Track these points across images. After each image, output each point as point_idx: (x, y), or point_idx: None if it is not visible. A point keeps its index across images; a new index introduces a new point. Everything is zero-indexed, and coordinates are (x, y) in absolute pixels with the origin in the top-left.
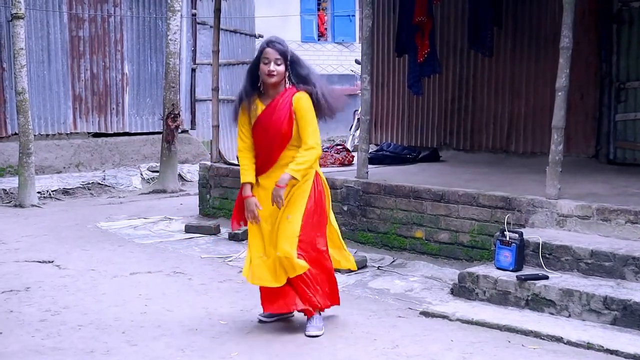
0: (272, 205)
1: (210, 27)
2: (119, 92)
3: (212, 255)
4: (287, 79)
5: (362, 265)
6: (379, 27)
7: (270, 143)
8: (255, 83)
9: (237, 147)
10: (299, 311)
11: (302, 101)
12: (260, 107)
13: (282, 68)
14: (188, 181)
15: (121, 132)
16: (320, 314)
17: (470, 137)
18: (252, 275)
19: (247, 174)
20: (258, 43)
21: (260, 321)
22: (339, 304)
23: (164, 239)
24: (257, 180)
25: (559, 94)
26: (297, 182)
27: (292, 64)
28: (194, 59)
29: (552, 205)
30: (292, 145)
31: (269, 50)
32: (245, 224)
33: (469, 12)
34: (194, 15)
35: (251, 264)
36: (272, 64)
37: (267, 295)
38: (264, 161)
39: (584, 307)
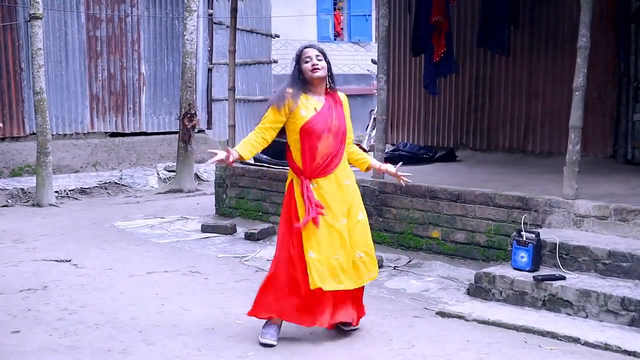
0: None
1: (227, 27)
2: (136, 92)
3: (229, 254)
4: (328, 78)
5: (378, 265)
6: (395, 26)
7: (336, 140)
8: (300, 86)
9: (256, 134)
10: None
11: (346, 98)
12: (314, 100)
13: (324, 63)
14: (204, 181)
15: (138, 131)
16: None
17: (487, 137)
18: (331, 280)
19: (244, 147)
20: (274, 43)
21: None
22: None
23: (180, 238)
24: (317, 182)
25: (577, 93)
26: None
27: (329, 64)
28: (210, 59)
29: (570, 205)
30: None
31: (308, 50)
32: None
33: (486, 12)
34: (210, 15)
35: (326, 267)
36: (315, 59)
37: (336, 303)
38: (329, 160)
39: (601, 307)
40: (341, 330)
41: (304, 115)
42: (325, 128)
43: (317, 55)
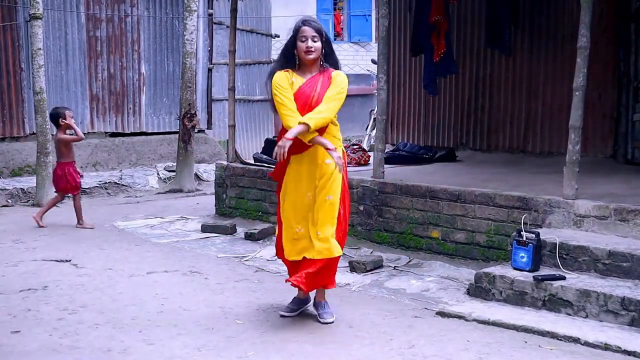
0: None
1: (227, 27)
2: (136, 92)
3: (229, 254)
4: (322, 57)
5: (378, 265)
6: (395, 26)
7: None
8: (291, 61)
9: (284, 113)
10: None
11: (340, 76)
12: (299, 80)
13: (319, 45)
14: (204, 181)
15: (138, 131)
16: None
17: (487, 137)
18: (290, 251)
19: (293, 119)
20: (274, 43)
21: (282, 316)
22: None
23: (180, 238)
24: (289, 161)
25: (577, 93)
26: (331, 167)
27: (327, 43)
28: (210, 59)
29: (570, 205)
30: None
31: (305, 28)
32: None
33: (486, 12)
34: (210, 15)
35: (287, 240)
36: (310, 40)
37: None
38: (300, 141)
39: (601, 307)
40: (339, 328)
41: (292, 87)
42: (304, 102)
43: (314, 37)
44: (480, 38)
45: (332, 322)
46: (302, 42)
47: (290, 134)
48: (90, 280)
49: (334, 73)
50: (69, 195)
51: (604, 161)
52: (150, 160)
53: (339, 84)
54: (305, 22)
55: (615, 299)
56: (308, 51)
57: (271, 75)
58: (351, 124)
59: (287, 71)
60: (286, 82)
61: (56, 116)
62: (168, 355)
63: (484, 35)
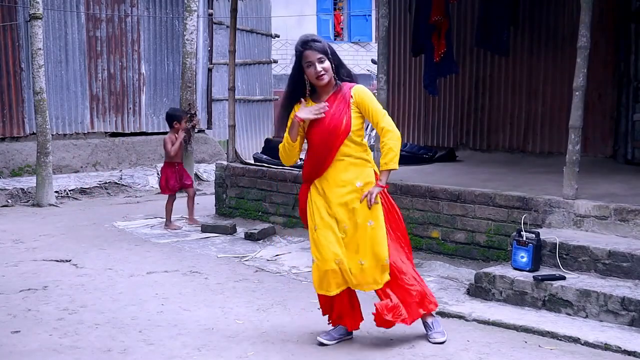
0: (362, 204)
1: (227, 27)
2: (136, 92)
3: (229, 254)
4: (335, 75)
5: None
6: (395, 26)
7: (328, 139)
8: (302, 89)
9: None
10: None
11: (363, 90)
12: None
13: (327, 64)
14: (204, 181)
15: (138, 131)
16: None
17: (487, 137)
18: (328, 283)
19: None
20: (274, 43)
21: (321, 344)
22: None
23: (180, 238)
24: (315, 185)
25: (577, 93)
26: (367, 186)
27: (333, 56)
28: (210, 59)
29: (570, 205)
30: (350, 140)
31: (308, 52)
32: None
33: (485, 12)
34: (210, 15)
35: (328, 269)
36: (317, 64)
37: (342, 307)
38: (320, 159)
39: (601, 307)
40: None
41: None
42: (321, 125)
43: (320, 58)
44: (480, 38)
45: (444, 341)
46: (309, 67)
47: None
48: (90, 280)
49: (354, 89)
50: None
51: (604, 161)
52: (150, 160)
53: (369, 101)
54: (305, 45)
55: (615, 299)
56: (319, 77)
57: (283, 106)
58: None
59: (300, 102)
60: (300, 127)
61: (173, 118)
62: (168, 355)
63: (481, 36)
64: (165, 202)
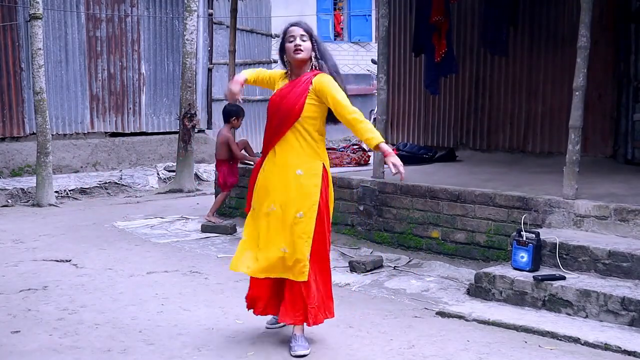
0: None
1: (227, 27)
2: (136, 92)
3: (229, 254)
4: (313, 59)
5: (378, 265)
6: (395, 26)
7: (278, 115)
8: (285, 66)
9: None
10: (288, 323)
11: (324, 78)
12: (281, 83)
13: (308, 44)
14: (204, 181)
15: (138, 131)
16: (303, 332)
17: (487, 137)
18: (248, 264)
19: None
20: (274, 43)
21: (268, 329)
22: (333, 317)
23: (180, 238)
24: (267, 160)
25: (577, 93)
26: (307, 177)
27: (317, 44)
28: (210, 59)
29: (570, 205)
30: (301, 126)
31: (293, 28)
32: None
33: (485, 12)
34: (210, 15)
35: (244, 253)
36: (298, 39)
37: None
38: (270, 133)
39: (601, 308)
40: (339, 328)
41: (275, 88)
42: (276, 104)
43: (302, 35)
44: (480, 38)
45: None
46: (290, 42)
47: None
48: (90, 280)
49: (316, 77)
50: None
51: (604, 161)
52: (150, 160)
53: (328, 87)
54: (293, 23)
55: (615, 299)
56: (296, 50)
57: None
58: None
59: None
60: (266, 77)
61: (230, 114)
62: (168, 355)
63: (481, 35)
64: (218, 194)
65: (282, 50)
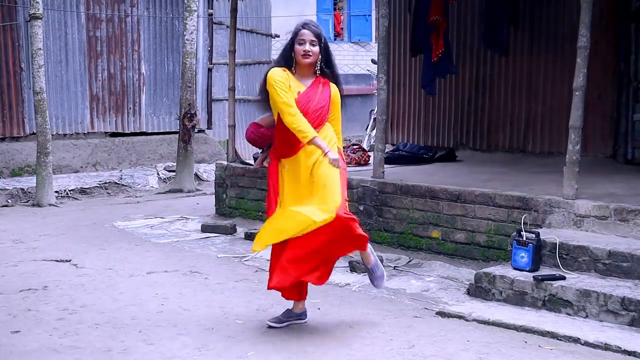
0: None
1: (227, 27)
2: (136, 92)
3: (229, 254)
4: (319, 62)
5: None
6: (395, 26)
7: (313, 116)
8: (289, 63)
9: (288, 112)
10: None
11: (338, 94)
12: (297, 85)
13: (317, 49)
14: (204, 181)
15: (138, 131)
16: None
17: (487, 137)
18: (269, 233)
19: (307, 124)
20: (274, 43)
21: (270, 327)
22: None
23: (180, 238)
24: (285, 163)
25: (577, 93)
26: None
27: (326, 49)
28: (210, 59)
29: (570, 205)
30: (323, 128)
31: (305, 31)
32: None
33: (485, 12)
34: (210, 15)
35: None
36: (308, 44)
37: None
38: (294, 142)
39: (601, 307)
40: (339, 328)
41: (293, 91)
42: (304, 107)
43: (312, 41)
44: (480, 38)
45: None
46: (300, 45)
47: (325, 147)
48: (90, 280)
49: (333, 88)
50: None
51: (604, 161)
52: (150, 160)
53: (338, 108)
54: (305, 25)
55: (615, 299)
56: (305, 54)
57: (278, 65)
58: (351, 123)
59: (285, 70)
60: (286, 82)
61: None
62: (168, 355)
63: (481, 35)
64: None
65: (291, 48)
